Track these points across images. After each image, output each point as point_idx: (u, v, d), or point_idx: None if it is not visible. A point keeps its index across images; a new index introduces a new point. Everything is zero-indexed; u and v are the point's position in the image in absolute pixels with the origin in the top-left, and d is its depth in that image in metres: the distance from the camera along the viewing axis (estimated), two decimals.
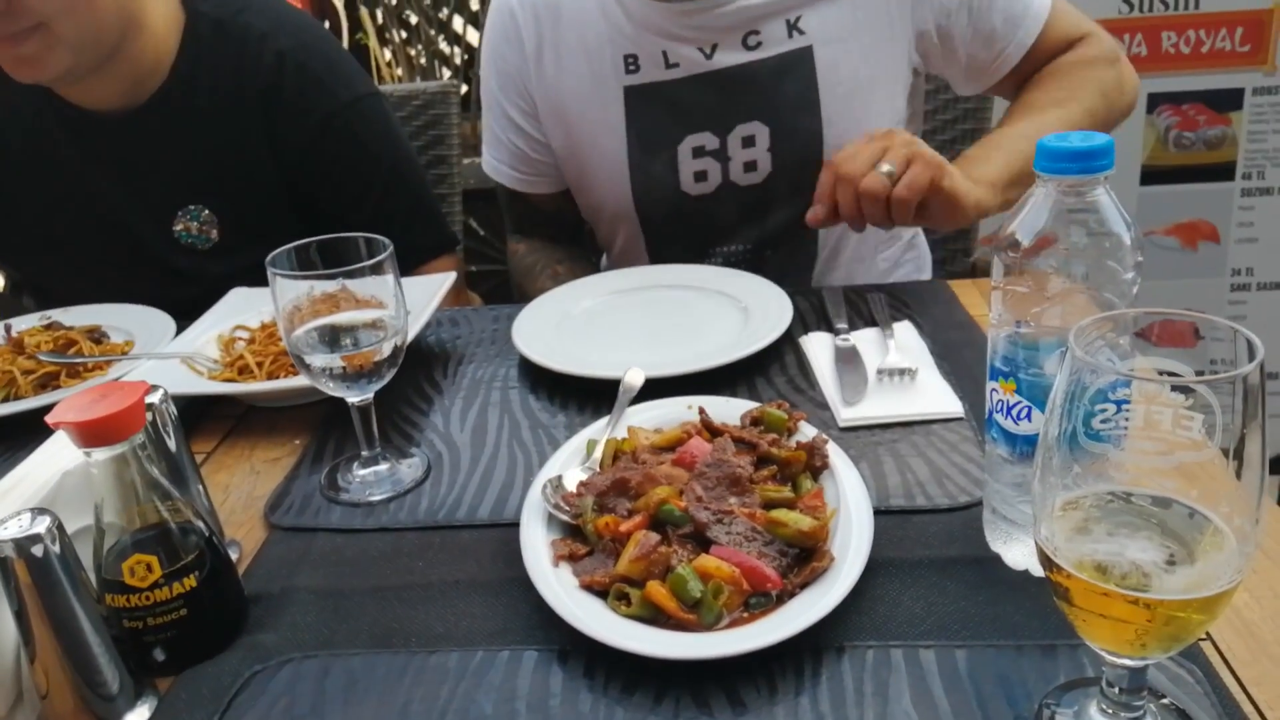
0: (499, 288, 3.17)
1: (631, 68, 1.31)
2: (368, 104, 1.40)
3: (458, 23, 3.50)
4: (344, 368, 0.79)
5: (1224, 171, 2.34)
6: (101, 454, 0.64)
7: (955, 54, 1.32)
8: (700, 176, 1.34)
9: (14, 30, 1.15)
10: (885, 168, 1.05)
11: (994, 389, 0.66)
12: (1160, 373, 0.52)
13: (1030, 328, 0.63)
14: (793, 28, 1.27)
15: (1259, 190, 2.37)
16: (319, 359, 0.80)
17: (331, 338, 0.82)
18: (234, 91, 1.33)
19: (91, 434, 0.62)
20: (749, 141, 1.31)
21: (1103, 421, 0.53)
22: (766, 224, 1.36)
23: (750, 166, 1.33)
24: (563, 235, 1.53)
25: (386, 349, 0.81)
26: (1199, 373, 0.51)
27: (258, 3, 1.38)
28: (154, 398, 0.72)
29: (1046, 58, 1.33)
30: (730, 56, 1.28)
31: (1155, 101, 2.30)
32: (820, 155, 1.31)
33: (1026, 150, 1.20)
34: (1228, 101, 2.30)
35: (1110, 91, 1.30)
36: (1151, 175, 2.34)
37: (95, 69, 1.25)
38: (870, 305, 1.14)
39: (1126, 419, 0.52)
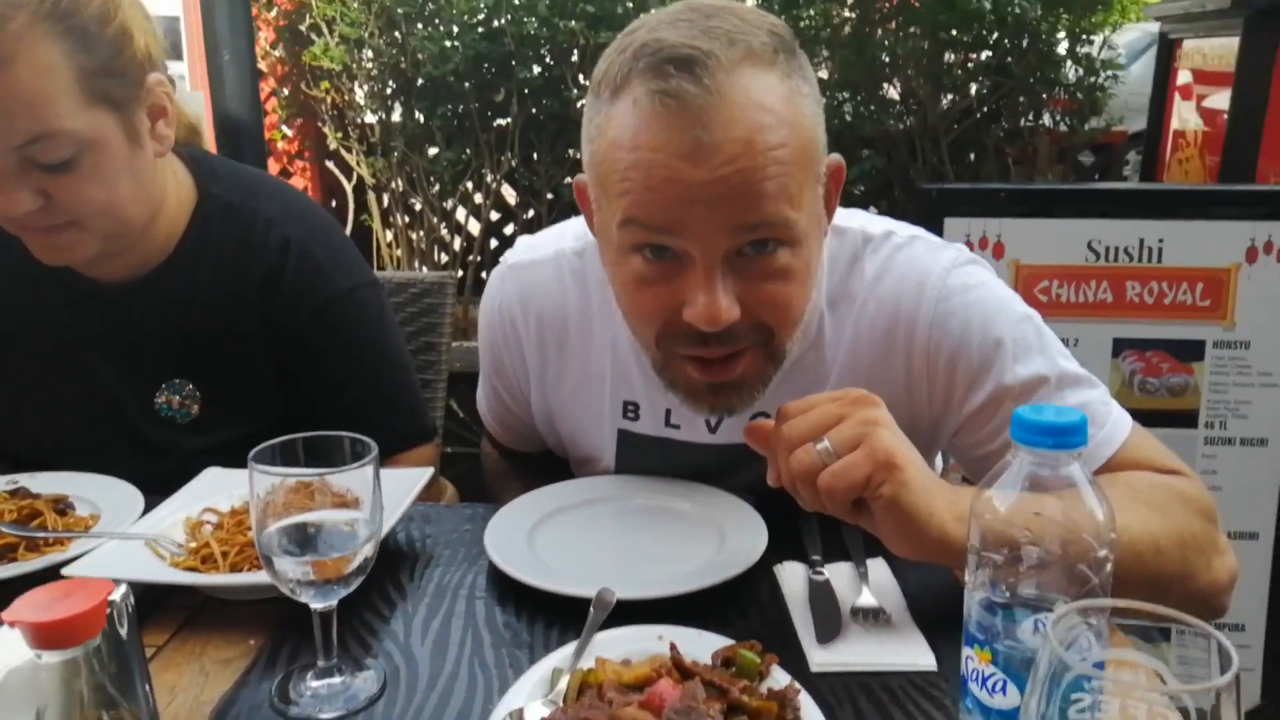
0: (473, 470, 3.16)
1: (630, 414, 1.25)
2: (364, 293, 1.43)
3: (460, 213, 3.66)
4: (313, 578, 0.78)
5: (1188, 418, 2.40)
6: (53, 657, 0.61)
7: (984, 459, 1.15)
8: None
9: (48, 224, 1.19)
10: (823, 444, 0.86)
11: (969, 655, 0.66)
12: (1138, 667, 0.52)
13: (1005, 596, 0.63)
14: None
15: (1222, 440, 2.41)
16: (288, 563, 0.78)
17: (302, 538, 0.81)
18: (235, 272, 1.36)
19: (47, 636, 0.60)
20: None
21: (1079, 711, 0.52)
22: None
23: None
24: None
25: (358, 559, 0.80)
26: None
27: (268, 189, 1.43)
28: (116, 594, 0.70)
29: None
30: (734, 434, 1.18)
31: (1120, 346, 2.37)
32: None
33: None
34: (1190, 351, 2.37)
35: (1194, 549, 0.98)
36: None
37: (117, 253, 1.30)
38: (844, 536, 1.14)
39: (1103, 708, 0.52)
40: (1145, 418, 2.41)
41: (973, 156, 3.43)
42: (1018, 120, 3.30)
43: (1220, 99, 3.33)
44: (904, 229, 1.20)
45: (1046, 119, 3.39)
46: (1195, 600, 0.99)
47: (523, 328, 1.28)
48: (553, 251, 1.28)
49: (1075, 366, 1.12)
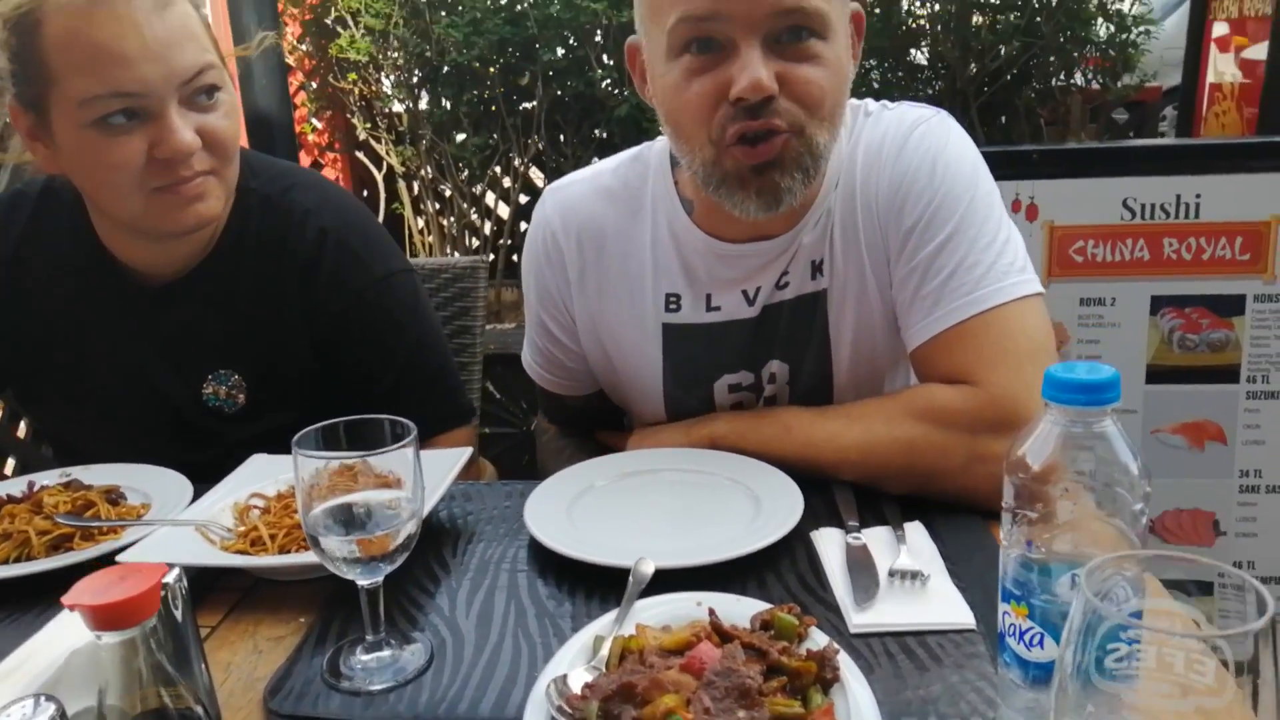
0: (512, 449, 3.20)
1: (673, 306, 1.33)
2: (399, 280, 1.46)
3: (490, 197, 3.68)
4: (359, 555, 0.80)
5: (1229, 374, 2.37)
6: (112, 638, 0.64)
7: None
8: (736, 407, 1.35)
9: (200, 170, 1.24)
10: None
11: (1006, 611, 0.66)
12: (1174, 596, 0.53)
13: (1041, 552, 0.63)
14: (816, 269, 1.29)
15: (1264, 394, 2.38)
16: (334, 542, 0.80)
17: (347, 518, 0.83)
18: (275, 264, 1.39)
19: (106, 618, 0.63)
20: (772, 378, 1.33)
21: (1116, 660, 0.53)
22: None
23: (770, 400, 1.34)
24: (595, 425, 1.54)
25: (401, 535, 0.81)
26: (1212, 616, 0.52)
27: (304, 181, 1.46)
28: (169, 577, 0.72)
29: (930, 369, 1.21)
30: (766, 298, 1.31)
31: (1158, 304, 2.34)
32: (830, 393, 1.32)
33: (782, 442, 1.20)
34: (1230, 306, 2.34)
35: (932, 455, 1.12)
36: (1157, 374, 2.36)
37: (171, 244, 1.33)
38: (881, 503, 1.14)
39: (1139, 658, 0.52)
40: (1187, 373, 2.40)
41: (1004, 119, 3.38)
42: (1048, 81, 3.24)
43: (1260, 50, 3.25)
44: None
45: (1078, 78, 3.32)
46: (955, 495, 1.12)
47: (563, 240, 1.37)
48: (591, 173, 1.40)
49: (995, 229, 1.20)
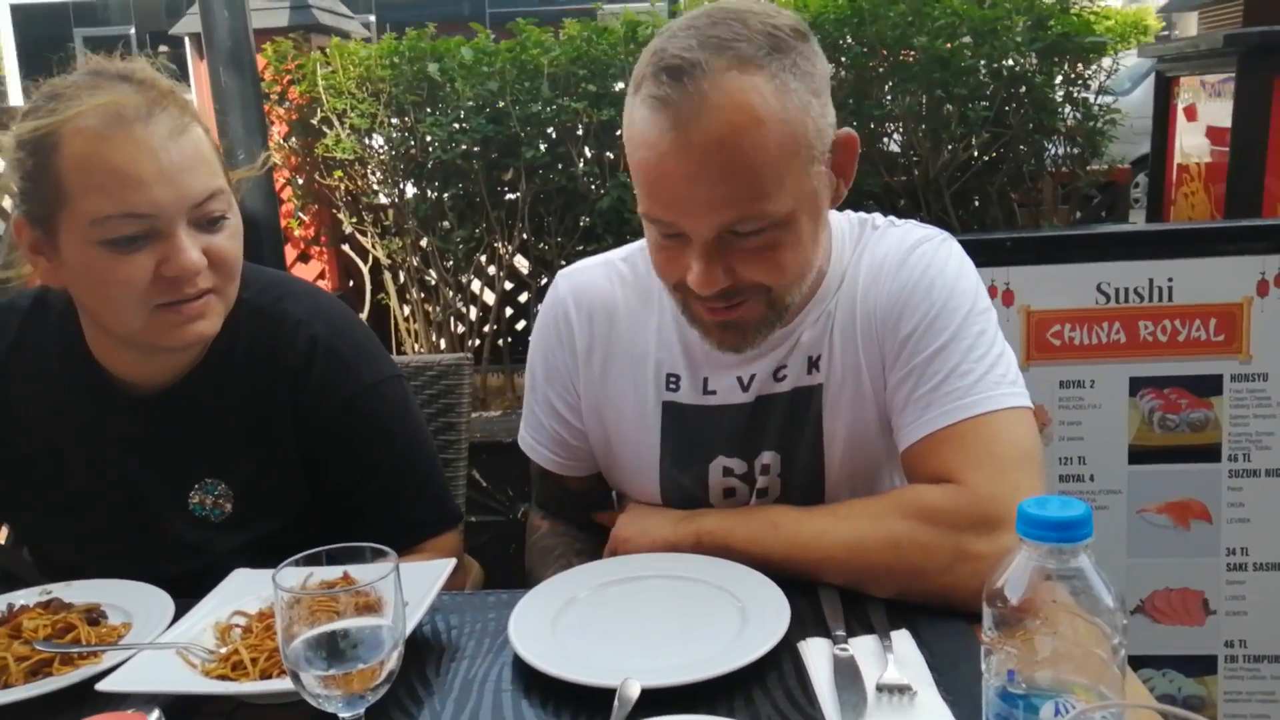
0: (498, 537, 3.17)
1: (672, 386, 1.37)
2: (388, 386, 1.46)
3: (475, 285, 3.72)
4: (339, 692, 0.80)
5: (1210, 453, 2.38)
6: None
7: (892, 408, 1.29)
8: (729, 493, 1.37)
9: (203, 288, 1.26)
10: None
11: None
12: None
13: (1023, 686, 0.64)
14: (813, 365, 1.33)
15: (1246, 472, 2.38)
16: (314, 679, 0.80)
17: (330, 648, 0.83)
18: (265, 373, 1.39)
19: None
20: (765, 469, 1.35)
21: None
22: None
23: (762, 492, 1.36)
24: (588, 520, 1.54)
25: (384, 672, 0.81)
26: None
27: (295, 291, 1.47)
28: (150, 718, 0.72)
29: (918, 469, 1.23)
30: (761, 387, 1.34)
31: (1137, 385, 2.37)
32: (822, 488, 1.34)
33: (769, 538, 1.21)
34: (1208, 386, 2.36)
35: (917, 554, 1.14)
36: (1139, 455, 2.38)
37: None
38: (867, 608, 1.14)
39: None
40: (1169, 453, 2.41)
41: (977, 202, 3.46)
42: (1019, 166, 3.33)
43: (1226, 114, 3.34)
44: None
45: (1049, 162, 3.41)
46: (939, 595, 1.13)
47: (575, 317, 1.42)
48: (602, 260, 1.47)
49: (989, 344, 1.24)
